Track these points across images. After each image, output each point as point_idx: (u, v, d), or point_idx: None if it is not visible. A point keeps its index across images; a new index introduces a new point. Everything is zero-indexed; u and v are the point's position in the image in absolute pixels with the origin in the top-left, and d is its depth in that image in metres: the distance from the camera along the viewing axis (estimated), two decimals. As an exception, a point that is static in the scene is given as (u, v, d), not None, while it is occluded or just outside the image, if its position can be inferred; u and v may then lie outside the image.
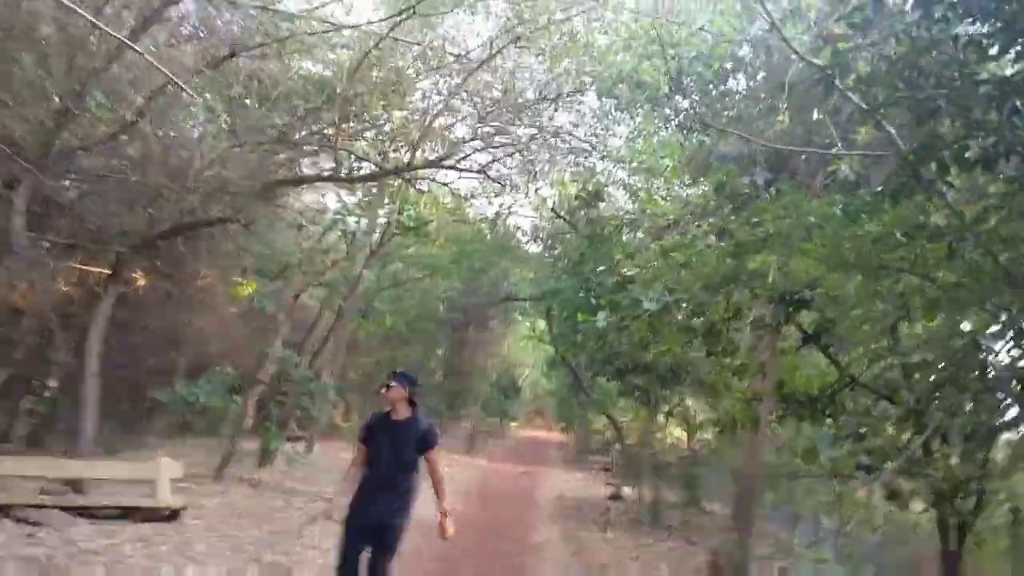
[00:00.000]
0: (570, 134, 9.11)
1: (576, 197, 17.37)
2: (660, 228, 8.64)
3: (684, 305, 6.56)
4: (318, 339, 12.31)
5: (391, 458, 4.35)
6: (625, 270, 9.45)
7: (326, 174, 8.49)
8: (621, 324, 9.84)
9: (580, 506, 13.70)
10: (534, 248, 24.09)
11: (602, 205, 17.68)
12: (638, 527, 11.57)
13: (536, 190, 16.81)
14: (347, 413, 21.72)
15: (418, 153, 8.61)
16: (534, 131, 8.46)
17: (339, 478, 12.41)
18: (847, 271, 3.66)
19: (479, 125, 8.47)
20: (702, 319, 7.33)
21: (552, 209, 19.34)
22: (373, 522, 4.31)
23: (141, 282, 10.25)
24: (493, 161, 9.51)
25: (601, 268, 15.01)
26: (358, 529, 4.34)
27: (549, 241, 22.22)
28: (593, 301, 14.85)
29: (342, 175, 8.06)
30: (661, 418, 12.74)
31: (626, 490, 16.18)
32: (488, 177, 9.37)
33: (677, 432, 14.78)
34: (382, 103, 8.00)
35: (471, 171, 9.21)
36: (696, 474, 12.53)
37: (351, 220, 11.26)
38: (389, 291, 19.11)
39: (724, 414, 7.78)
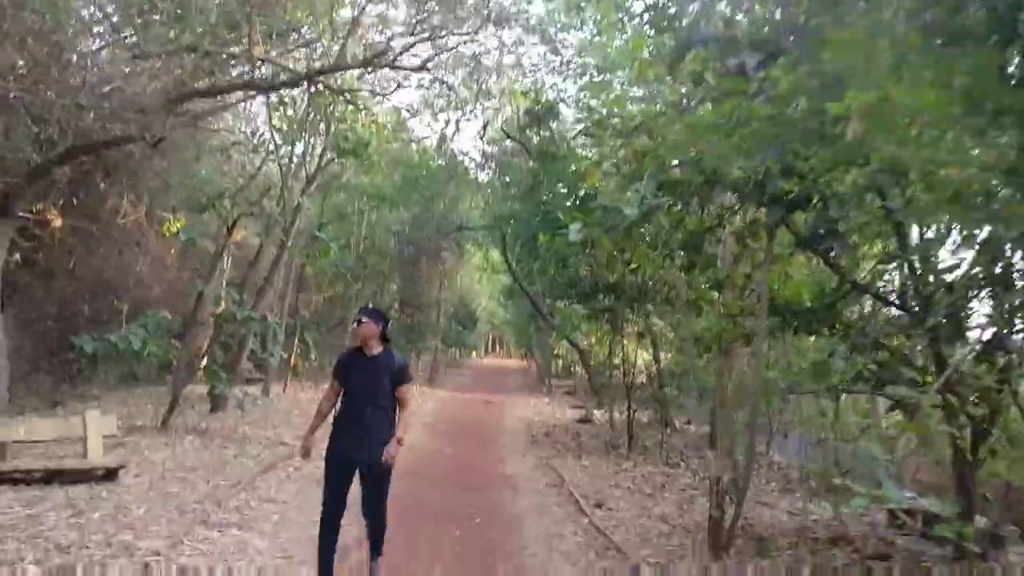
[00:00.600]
0: (519, 31, 8.09)
1: (527, 113, 16.48)
2: (628, 131, 7.87)
3: (667, 210, 5.91)
4: (261, 276, 11.41)
5: (366, 394, 4.32)
6: (591, 183, 8.75)
7: (240, 82, 7.42)
8: (587, 240, 9.26)
9: (550, 432, 13.37)
10: (483, 176, 23.30)
11: (554, 124, 16.86)
12: (613, 451, 11.28)
13: (483, 104, 15.84)
14: (303, 352, 20.89)
15: (348, 54, 7.61)
16: (478, 22, 7.42)
17: (299, 420, 11.95)
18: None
19: (416, 16, 7.42)
20: (681, 227, 6.75)
21: (501, 129, 18.40)
22: (358, 459, 4.25)
23: (57, 222, 9.15)
24: (434, 56, 8.48)
25: (559, 187, 14.34)
26: (341, 468, 4.30)
27: (499, 166, 21.38)
28: (550, 223, 14.22)
29: (258, 82, 7.02)
30: (626, 339, 12.29)
31: (595, 413, 15.98)
32: (428, 73, 8.37)
33: (643, 353, 14.45)
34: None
35: (408, 68, 8.17)
36: (666, 394, 12.23)
37: (279, 139, 10.21)
38: (334, 224, 18.14)
39: (707, 331, 7.26)
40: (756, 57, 5.11)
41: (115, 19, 6.49)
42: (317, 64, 8.25)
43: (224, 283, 13.54)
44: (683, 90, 6.69)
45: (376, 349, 4.42)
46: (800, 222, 6.07)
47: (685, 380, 11.64)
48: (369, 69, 9.27)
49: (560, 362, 29.86)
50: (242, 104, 11.73)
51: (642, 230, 7.57)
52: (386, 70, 10.13)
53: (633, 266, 9.77)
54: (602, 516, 6.74)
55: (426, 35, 7.63)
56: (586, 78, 16.19)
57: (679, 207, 6.41)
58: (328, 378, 4.95)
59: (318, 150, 11.78)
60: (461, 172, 19.79)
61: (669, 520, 6.74)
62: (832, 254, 6.09)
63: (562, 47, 14.27)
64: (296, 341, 16.59)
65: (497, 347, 68.40)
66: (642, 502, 7.53)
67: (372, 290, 21.92)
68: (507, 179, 20.23)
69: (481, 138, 18.18)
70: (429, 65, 8.09)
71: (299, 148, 11.33)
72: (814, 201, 5.38)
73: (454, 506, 6.97)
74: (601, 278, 10.65)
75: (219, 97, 11.26)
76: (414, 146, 16.08)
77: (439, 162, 18.87)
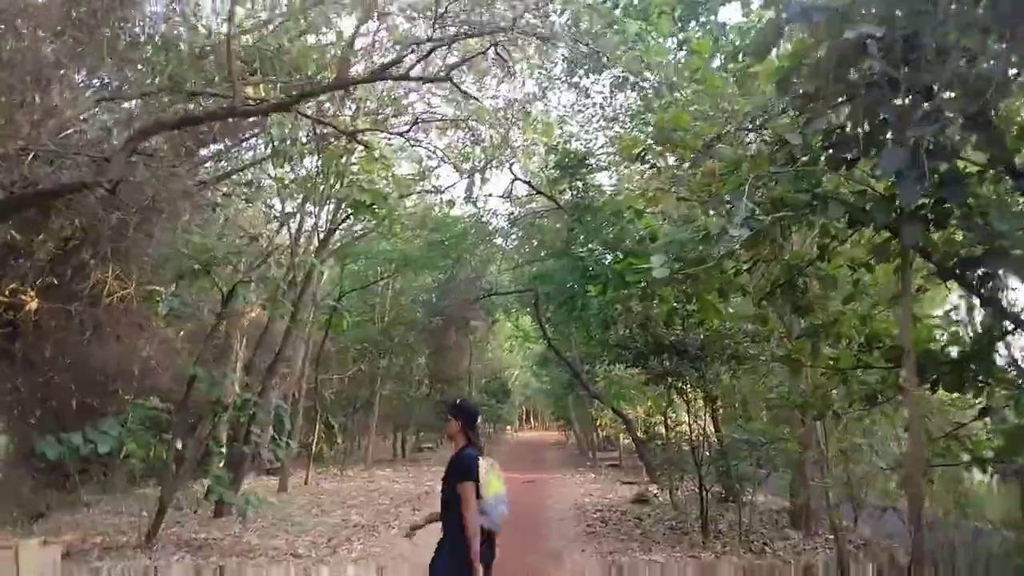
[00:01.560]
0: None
1: (556, 167, 15.35)
2: (699, 149, 6.57)
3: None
4: (273, 354, 10.14)
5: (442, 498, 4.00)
6: (645, 224, 7.44)
7: (217, 109, 6.26)
8: (647, 292, 7.85)
9: (605, 517, 11.63)
10: (512, 239, 22.16)
11: (585, 175, 15.67)
12: (683, 537, 9.57)
13: (509, 155, 14.74)
14: (328, 438, 19.48)
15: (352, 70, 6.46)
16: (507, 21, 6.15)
17: (317, 521, 10.33)
18: None
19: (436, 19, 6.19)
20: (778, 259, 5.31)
21: (528, 184, 17.29)
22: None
23: (32, 305, 7.98)
24: (458, 65, 7.23)
25: (602, 236, 13.02)
26: None
27: (526, 227, 20.23)
28: (589, 280, 12.86)
29: (238, 108, 5.87)
30: (686, 405, 10.69)
31: (652, 491, 14.21)
32: (455, 86, 7.10)
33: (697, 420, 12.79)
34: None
35: (428, 79, 6.91)
36: (738, 468, 10.52)
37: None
38: (355, 294, 16.95)
39: (818, 390, 5.73)
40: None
41: (82, 58, 5.44)
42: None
43: (238, 365, 12.32)
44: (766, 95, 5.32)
45: (457, 447, 4.01)
46: (940, 242, 4.61)
47: (765, 451, 9.94)
48: (380, 99, 8.16)
49: (603, 433, 27.92)
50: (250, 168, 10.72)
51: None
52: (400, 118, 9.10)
53: (697, 318, 8.34)
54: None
55: (447, 38, 6.41)
56: (617, 127, 15.12)
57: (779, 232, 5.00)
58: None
59: (330, 206, 10.67)
60: (488, 232, 18.57)
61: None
62: (988, 284, 4.57)
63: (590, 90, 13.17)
64: (319, 425, 15.24)
65: (532, 419, 66.10)
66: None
67: (399, 365, 20.57)
68: (537, 240, 19.05)
69: (508, 196, 16.96)
70: (452, 75, 6.87)
71: (309, 207, 10.21)
72: (964, 213, 3.92)
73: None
74: (658, 335, 9.16)
75: (222, 162, 10.25)
76: (437, 199, 14.87)
77: (465, 218, 17.69)
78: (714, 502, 12.55)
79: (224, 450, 7.29)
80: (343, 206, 10.11)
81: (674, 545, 9.18)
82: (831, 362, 5.68)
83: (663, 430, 12.67)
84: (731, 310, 9.50)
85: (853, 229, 4.89)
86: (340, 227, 10.97)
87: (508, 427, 47.10)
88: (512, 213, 20.11)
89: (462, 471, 3.82)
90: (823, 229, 5.11)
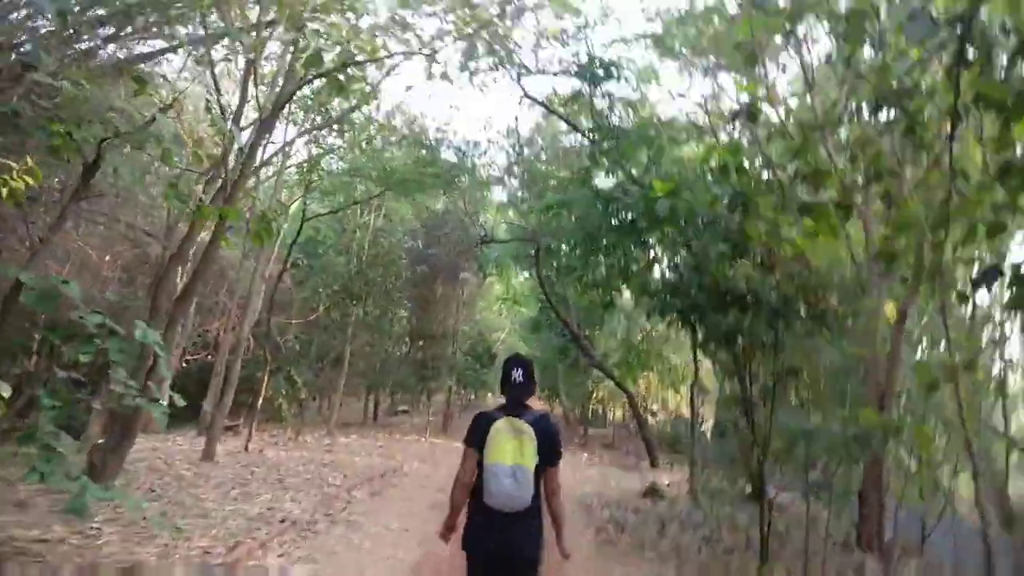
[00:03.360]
0: None
1: (577, 74, 12.50)
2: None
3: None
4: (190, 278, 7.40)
5: None
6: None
7: None
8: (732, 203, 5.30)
9: (617, 518, 9.05)
10: (515, 177, 19.36)
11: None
12: (729, 557, 7.06)
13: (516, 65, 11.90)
14: (290, 395, 16.71)
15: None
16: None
17: (222, 516, 7.38)
18: None
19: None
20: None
21: (541, 104, 14.39)
22: None
23: None
24: None
25: (641, 157, 10.25)
26: None
27: (535, 155, 17.43)
28: (616, 212, 10.16)
29: None
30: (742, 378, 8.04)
31: (663, 481, 11.66)
32: None
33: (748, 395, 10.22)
34: None
35: None
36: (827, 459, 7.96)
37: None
38: (326, 223, 14.19)
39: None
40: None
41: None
42: None
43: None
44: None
45: None
46: None
47: (843, 443, 7.34)
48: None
49: (595, 407, 25.42)
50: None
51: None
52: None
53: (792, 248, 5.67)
54: None
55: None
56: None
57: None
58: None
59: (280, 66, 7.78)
60: (486, 168, 15.78)
61: None
62: None
63: None
64: (267, 379, 12.57)
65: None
66: None
67: (375, 316, 17.82)
68: (545, 178, 16.28)
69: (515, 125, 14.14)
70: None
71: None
72: None
73: None
74: (726, 279, 6.47)
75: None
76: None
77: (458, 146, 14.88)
78: (736, 501, 10.10)
79: (58, 402, 4.47)
80: (298, 65, 7.14)
81: (720, 570, 6.66)
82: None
83: (686, 410, 10.12)
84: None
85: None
86: (298, 90, 7.95)
87: (490, 394, 44.64)
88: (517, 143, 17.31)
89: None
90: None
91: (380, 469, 10.96)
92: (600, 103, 11.95)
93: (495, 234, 19.19)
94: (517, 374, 3.33)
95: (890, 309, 6.86)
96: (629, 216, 8.87)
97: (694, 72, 11.91)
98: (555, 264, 18.66)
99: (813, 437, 7.03)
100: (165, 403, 4.68)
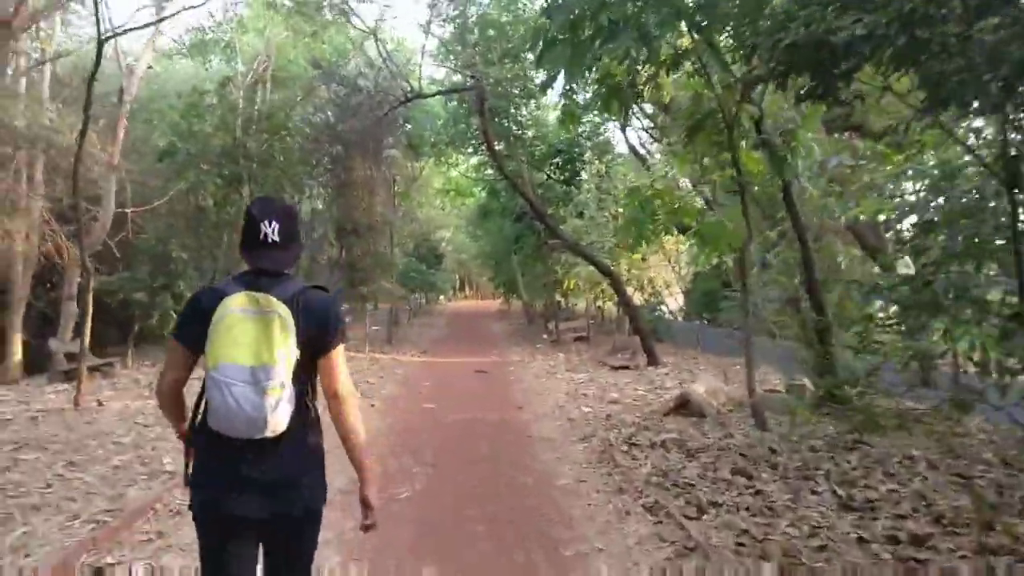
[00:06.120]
0: None
1: None
2: None
3: None
4: None
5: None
6: None
7: None
8: None
9: (654, 465, 5.69)
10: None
11: None
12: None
13: None
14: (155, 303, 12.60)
15: None
16: None
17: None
18: None
19: None
20: None
21: None
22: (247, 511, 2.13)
23: None
24: None
25: None
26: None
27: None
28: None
29: None
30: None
31: (697, 389, 8.38)
32: None
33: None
34: None
35: None
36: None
37: None
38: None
39: None
40: None
41: None
42: None
43: None
44: None
45: None
46: None
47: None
48: None
49: (562, 300, 22.07)
50: None
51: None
52: None
53: None
54: None
55: None
56: None
57: None
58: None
59: None
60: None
61: None
62: None
63: None
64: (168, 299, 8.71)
65: (466, 288, 60.30)
66: None
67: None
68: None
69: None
70: None
71: None
72: None
73: None
74: None
75: None
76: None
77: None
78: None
79: None
80: None
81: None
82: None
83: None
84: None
85: None
86: None
87: (441, 296, 41.22)
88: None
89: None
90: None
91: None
92: None
93: (424, 90, 15.04)
94: (269, 227, 1.90)
95: None
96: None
97: None
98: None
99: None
100: None
